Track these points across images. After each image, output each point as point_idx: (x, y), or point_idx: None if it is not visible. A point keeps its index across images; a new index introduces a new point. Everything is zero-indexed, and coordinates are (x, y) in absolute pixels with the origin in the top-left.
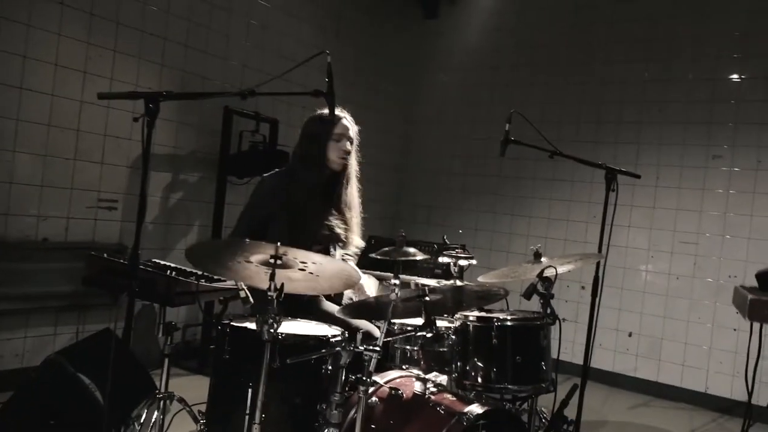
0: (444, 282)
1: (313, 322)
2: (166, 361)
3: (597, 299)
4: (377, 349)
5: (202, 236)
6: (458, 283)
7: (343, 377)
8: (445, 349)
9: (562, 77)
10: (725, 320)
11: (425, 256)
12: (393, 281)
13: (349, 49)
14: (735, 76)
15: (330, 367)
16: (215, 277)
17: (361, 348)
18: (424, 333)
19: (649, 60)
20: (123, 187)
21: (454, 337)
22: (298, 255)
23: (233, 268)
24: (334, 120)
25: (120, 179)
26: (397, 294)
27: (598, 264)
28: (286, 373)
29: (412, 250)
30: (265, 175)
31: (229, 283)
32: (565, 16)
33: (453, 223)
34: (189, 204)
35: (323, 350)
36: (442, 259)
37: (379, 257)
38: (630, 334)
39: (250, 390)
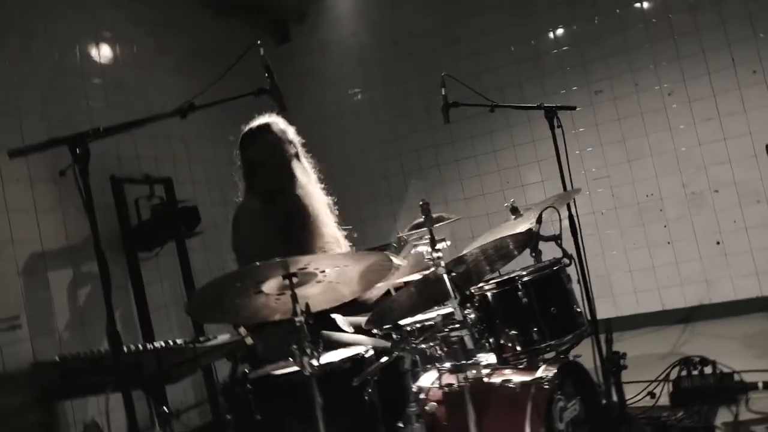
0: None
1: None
2: None
3: (579, 238)
4: (463, 318)
5: (127, 326)
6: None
7: (412, 384)
8: (465, 333)
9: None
10: (657, 237)
11: (458, 216)
12: (435, 254)
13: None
14: (587, 18)
15: (370, 390)
16: (201, 338)
17: (445, 330)
18: (465, 311)
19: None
20: (21, 299)
21: (472, 316)
22: (318, 263)
23: (242, 306)
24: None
25: (14, 291)
26: (441, 265)
27: (568, 205)
28: (332, 410)
29: (438, 215)
30: (237, 209)
31: (224, 338)
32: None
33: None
34: (101, 297)
35: (383, 359)
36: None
37: (412, 231)
38: (578, 281)
39: None
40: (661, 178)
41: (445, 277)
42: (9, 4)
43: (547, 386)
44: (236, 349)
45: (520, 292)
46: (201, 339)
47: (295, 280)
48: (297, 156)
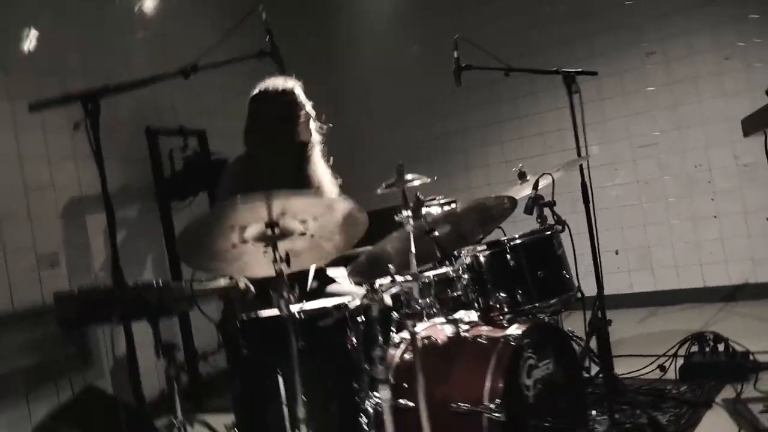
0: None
1: (322, 300)
2: (175, 384)
3: (591, 205)
4: (417, 272)
5: (158, 270)
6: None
7: (380, 331)
8: (460, 292)
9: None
10: (703, 210)
11: (428, 179)
12: (404, 213)
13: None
14: None
15: (355, 340)
16: (200, 280)
17: (400, 279)
18: (445, 268)
19: None
20: (60, 240)
21: (466, 276)
22: (294, 205)
23: (229, 256)
24: (281, 91)
25: (55, 232)
26: (411, 225)
27: (581, 171)
28: (315, 353)
29: (411, 176)
30: (228, 163)
31: (219, 281)
32: None
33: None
34: (136, 242)
35: (355, 305)
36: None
37: (384, 191)
38: (617, 252)
39: (280, 378)
40: (711, 148)
41: (412, 236)
42: None
43: (513, 342)
44: (229, 291)
45: (508, 255)
46: (199, 280)
47: (277, 231)
48: (306, 122)
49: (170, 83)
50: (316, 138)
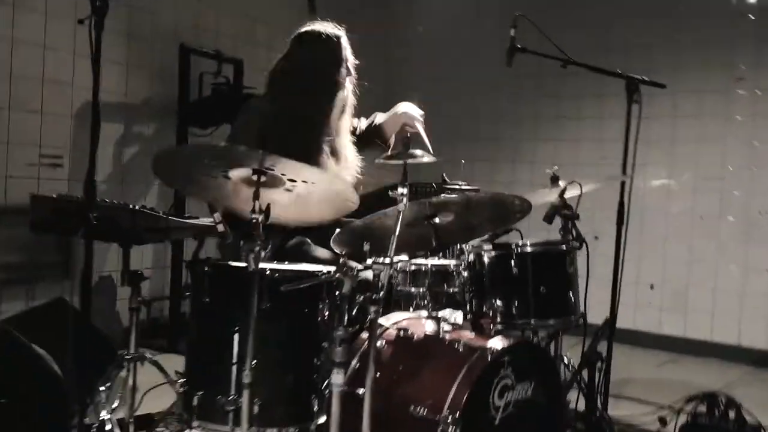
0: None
1: (304, 265)
2: (134, 316)
3: (624, 228)
4: (388, 261)
5: (163, 196)
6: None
7: (346, 310)
8: (456, 290)
9: None
10: (758, 261)
11: (435, 158)
12: (400, 190)
13: None
14: None
15: (327, 313)
16: (186, 215)
17: (370, 261)
18: (437, 258)
19: None
20: (68, 141)
21: (465, 273)
22: (287, 169)
23: (208, 185)
24: (336, 39)
25: (64, 132)
26: (405, 204)
27: (621, 189)
28: (278, 317)
29: (420, 152)
30: (252, 99)
31: (204, 220)
32: None
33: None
34: (146, 160)
35: (323, 276)
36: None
37: (385, 161)
38: (652, 287)
39: (236, 336)
40: None
41: (401, 216)
42: None
43: (489, 356)
44: (206, 232)
45: (513, 261)
46: (184, 215)
47: (263, 179)
48: (343, 78)
49: (216, 6)
50: (350, 94)
